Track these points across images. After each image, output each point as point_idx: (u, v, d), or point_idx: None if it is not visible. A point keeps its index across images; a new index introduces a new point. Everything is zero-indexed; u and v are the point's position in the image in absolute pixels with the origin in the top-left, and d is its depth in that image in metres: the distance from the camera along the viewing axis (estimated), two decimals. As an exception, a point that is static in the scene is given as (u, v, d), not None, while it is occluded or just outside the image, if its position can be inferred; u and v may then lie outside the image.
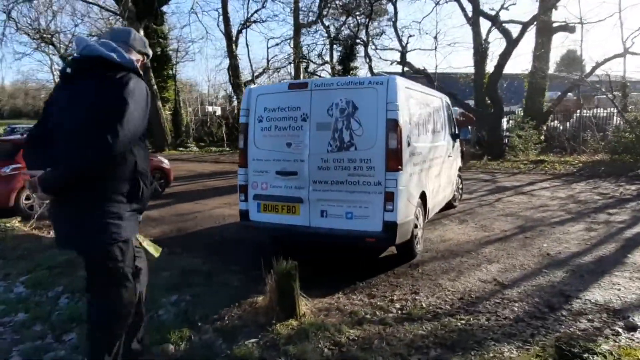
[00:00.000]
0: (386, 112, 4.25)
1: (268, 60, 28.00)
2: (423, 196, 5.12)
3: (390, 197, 4.25)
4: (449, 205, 7.61)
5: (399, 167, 4.28)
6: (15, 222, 6.20)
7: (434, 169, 5.62)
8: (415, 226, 4.86)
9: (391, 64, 20.05)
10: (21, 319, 3.19)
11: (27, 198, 7.48)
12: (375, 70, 20.52)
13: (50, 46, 29.56)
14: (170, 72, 26.77)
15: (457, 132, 7.43)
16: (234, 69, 24.55)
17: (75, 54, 2.28)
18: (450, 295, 3.89)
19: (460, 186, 8.04)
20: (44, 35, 27.71)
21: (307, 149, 4.57)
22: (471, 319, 3.36)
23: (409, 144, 4.47)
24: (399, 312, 3.46)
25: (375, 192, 4.32)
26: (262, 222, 4.84)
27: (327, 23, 24.09)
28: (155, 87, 21.87)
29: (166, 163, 10.15)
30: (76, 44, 2.29)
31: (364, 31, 20.32)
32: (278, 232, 4.80)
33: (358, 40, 21.46)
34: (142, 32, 20.72)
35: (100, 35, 2.17)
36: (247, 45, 26.13)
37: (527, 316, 3.43)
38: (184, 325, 2.99)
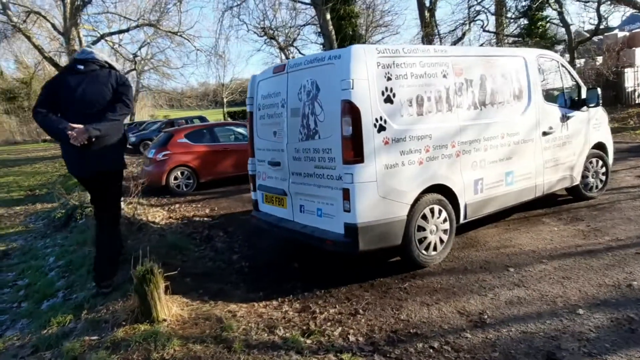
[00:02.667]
0: (340, 92, 3.50)
1: (470, 21, 25.57)
2: (444, 190, 4.02)
3: (346, 195, 3.54)
4: (579, 197, 5.67)
5: (358, 158, 3.49)
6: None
7: (480, 154, 4.28)
8: (421, 229, 3.89)
9: (599, 4, 15.21)
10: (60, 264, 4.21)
11: (175, 178, 9.21)
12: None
13: (273, 40, 34.23)
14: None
15: (581, 98, 5.36)
16: (428, 38, 23.39)
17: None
18: (388, 326, 3.03)
19: (603, 170, 5.81)
20: (268, 31, 32.31)
21: (285, 137, 4.20)
22: (355, 363, 2.57)
23: (382, 129, 3.56)
24: (286, 335, 2.91)
25: (337, 187, 3.66)
26: (264, 213, 4.74)
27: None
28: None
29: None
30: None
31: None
32: (269, 225, 4.58)
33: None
34: (328, 16, 21.94)
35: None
36: (433, 9, 23.89)
37: (435, 377, 2.40)
38: (75, 311, 3.30)
